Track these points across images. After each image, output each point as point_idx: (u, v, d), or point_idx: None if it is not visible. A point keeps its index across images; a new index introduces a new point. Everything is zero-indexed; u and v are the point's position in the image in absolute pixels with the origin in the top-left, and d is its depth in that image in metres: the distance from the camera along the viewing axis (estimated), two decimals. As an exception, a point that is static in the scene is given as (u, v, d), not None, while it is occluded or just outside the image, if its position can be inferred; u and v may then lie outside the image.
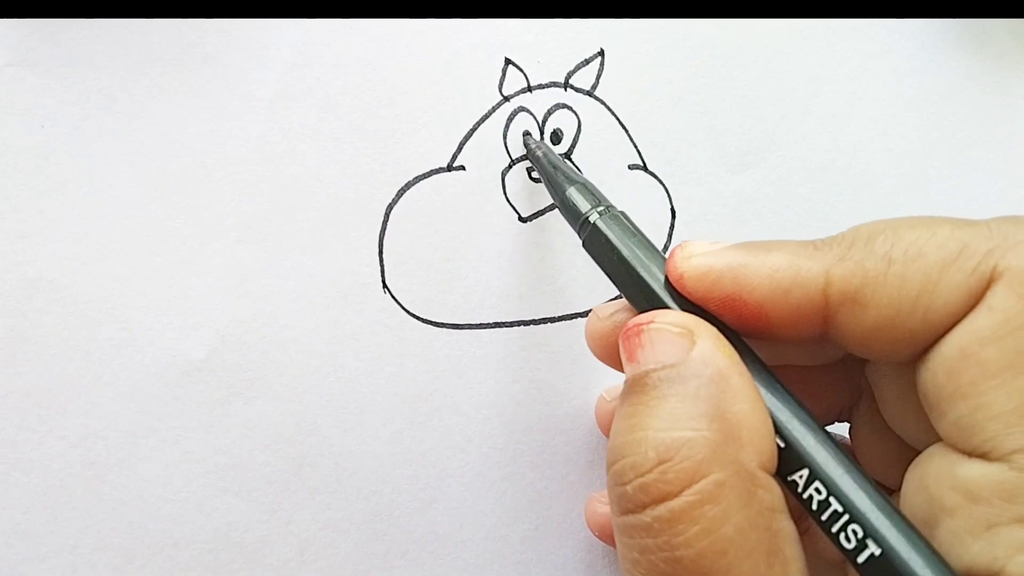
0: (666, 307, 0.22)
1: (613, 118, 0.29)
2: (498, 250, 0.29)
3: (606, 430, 0.28)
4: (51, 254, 0.27)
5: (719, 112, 0.30)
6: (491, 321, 0.28)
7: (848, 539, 0.18)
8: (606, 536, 0.27)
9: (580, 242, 0.24)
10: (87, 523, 0.26)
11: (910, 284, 0.19)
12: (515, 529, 0.28)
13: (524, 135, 0.29)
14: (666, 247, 0.29)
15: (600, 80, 0.29)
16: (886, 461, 0.23)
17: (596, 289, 0.29)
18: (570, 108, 0.29)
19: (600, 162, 0.29)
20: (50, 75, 0.27)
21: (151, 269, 0.27)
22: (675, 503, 0.18)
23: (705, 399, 0.18)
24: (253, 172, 0.28)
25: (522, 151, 0.29)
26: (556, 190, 0.26)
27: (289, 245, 0.28)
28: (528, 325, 0.28)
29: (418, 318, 0.28)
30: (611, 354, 0.24)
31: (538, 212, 0.29)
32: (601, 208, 0.24)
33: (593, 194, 0.25)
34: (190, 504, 0.27)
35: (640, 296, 0.22)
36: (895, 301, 0.19)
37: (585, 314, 0.29)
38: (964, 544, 0.18)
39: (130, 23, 0.28)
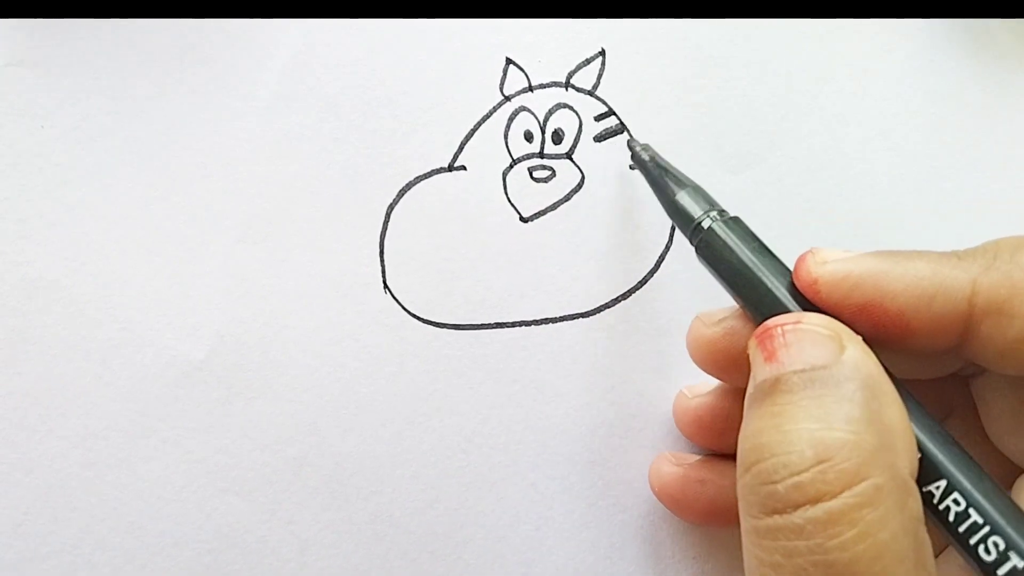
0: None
1: (614, 118, 0.29)
2: (498, 250, 0.29)
3: (685, 427, 0.27)
4: (51, 254, 0.27)
5: (719, 112, 0.30)
6: (491, 321, 0.28)
7: (988, 551, 0.18)
8: (665, 496, 0.27)
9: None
10: (87, 523, 0.26)
11: None
12: (515, 530, 0.28)
13: (629, 141, 0.28)
14: (667, 248, 0.29)
15: (601, 80, 0.29)
16: None
17: (596, 289, 0.29)
18: (571, 108, 0.29)
19: (601, 162, 0.29)
20: (50, 75, 0.27)
21: (151, 269, 0.27)
22: (833, 504, 0.17)
23: (861, 403, 0.18)
24: (253, 172, 0.28)
25: (523, 151, 0.29)
26: (665, 194, 0.25)
27: (289, 245, 0.28)
28: (528, 325, 0.28)
29: (418, 318, 0.28)
30: (716, 360, 0.24)
31: (539, 212, 0.29)
32: (714, 213, 0.24)
33: (705, 198, 0.24)
34: (190, 504, 0.27)
35: (762, 302, 0.22)
36: None
37: (585, 314, 0.29)
38: None
39: (130, 23, 0.28)
